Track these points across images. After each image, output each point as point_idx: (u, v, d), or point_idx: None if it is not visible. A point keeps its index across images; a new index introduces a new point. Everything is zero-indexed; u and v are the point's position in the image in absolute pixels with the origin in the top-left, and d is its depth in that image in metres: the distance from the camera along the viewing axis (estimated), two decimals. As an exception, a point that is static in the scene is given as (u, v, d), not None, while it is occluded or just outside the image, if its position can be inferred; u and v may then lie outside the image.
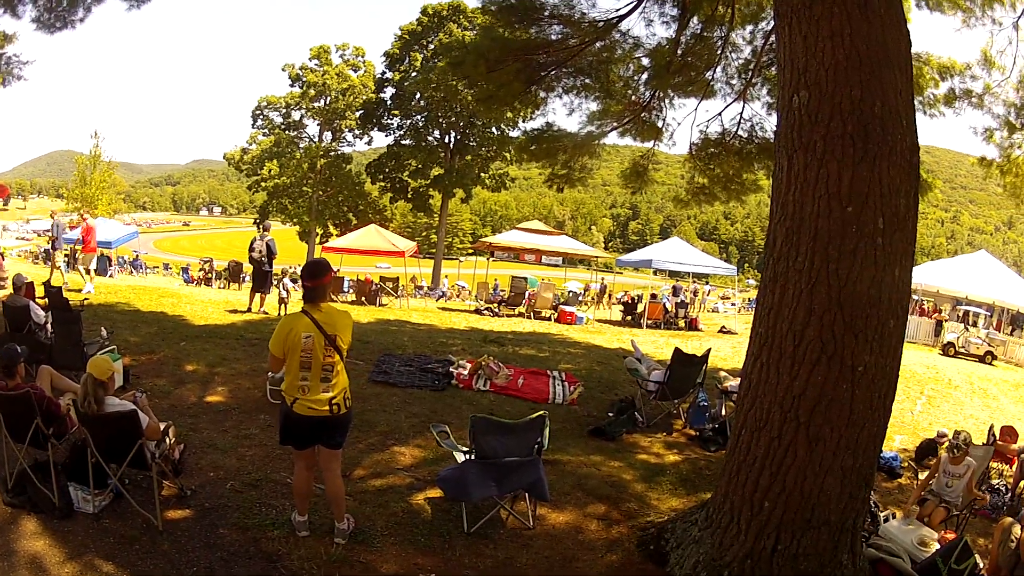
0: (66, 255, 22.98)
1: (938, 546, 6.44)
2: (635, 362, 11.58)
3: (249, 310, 19.00)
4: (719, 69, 13.64)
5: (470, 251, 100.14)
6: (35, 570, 5.43)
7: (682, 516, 6.71)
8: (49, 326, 11.35)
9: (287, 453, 7.57)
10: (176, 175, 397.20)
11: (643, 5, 12.92)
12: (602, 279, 39.18)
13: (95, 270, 23.20)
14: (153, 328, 14.85)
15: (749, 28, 13.31)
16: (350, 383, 5.98)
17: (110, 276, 32.89)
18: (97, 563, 5.57)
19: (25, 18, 18.22)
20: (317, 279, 5.83)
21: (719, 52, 13.36)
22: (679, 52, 13.17)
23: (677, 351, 10.71)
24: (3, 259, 21.46)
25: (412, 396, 11.01)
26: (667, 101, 14.20)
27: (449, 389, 11.69)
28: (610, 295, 37.48)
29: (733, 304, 45.92)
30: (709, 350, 11.49)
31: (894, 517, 7.26)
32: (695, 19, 13.10)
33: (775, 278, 5.69)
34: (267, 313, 18.91)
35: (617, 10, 12.91)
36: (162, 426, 6.77)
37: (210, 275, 37.98)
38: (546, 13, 12.82)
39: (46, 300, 13.14)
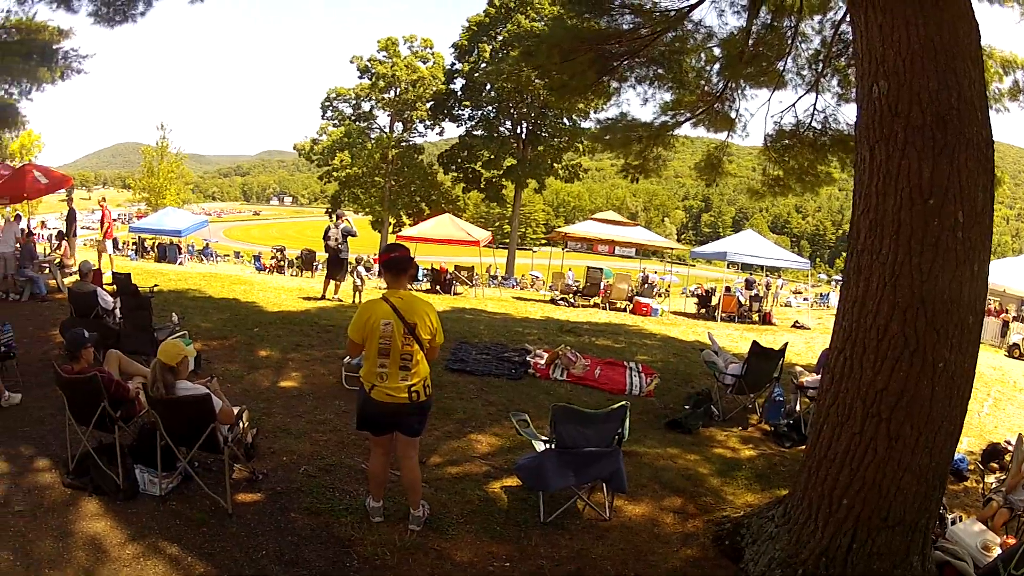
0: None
1: (999, 551, 6.27)
2: (712, 355, 11.44)
3: (324, 297, 19.30)
4: (790, 59, 13.40)
5: (543, 241, 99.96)
6: (94, 551, 5.50)
7: (758, 512, 6.60)
8: (117, 311, 11.63)
9: (362, 439, 7.68)
10: (245, 166, 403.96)
11: None
12: (670, 270, 38.77)
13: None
14: (225, 314, 15.15)
15: (818, 18, 13.04)
16: None
17: (179, 264, 33.71)
18: (161, 545, 5.64)
19: (81, 12, 18.67)
20: (397, 265, 5.81)
21: (789, 42, 13.12)
22: (750, 42, 12.97)
23: (755, 344, 10.54)
24: (72, 249, 21.98)
25: (489, 384, 11.02)
26: (740, 92, 13.96)
27: (526, 378, 11.66)
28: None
29: (805, 299, 44.95)
30: (786, 344, 11.28)
31: (960, 520, 7.08)
32: (764, 8, 12.90)
33: (859, 270, 5.58)
34: (341, 300, 19.14)
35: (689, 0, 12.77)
36: (235, 410, 6.81)
37: (282, 263, 38.78)
38: (617, 3, 12.75)
39: (114, 286, 13.46)
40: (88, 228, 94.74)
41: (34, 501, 6.22)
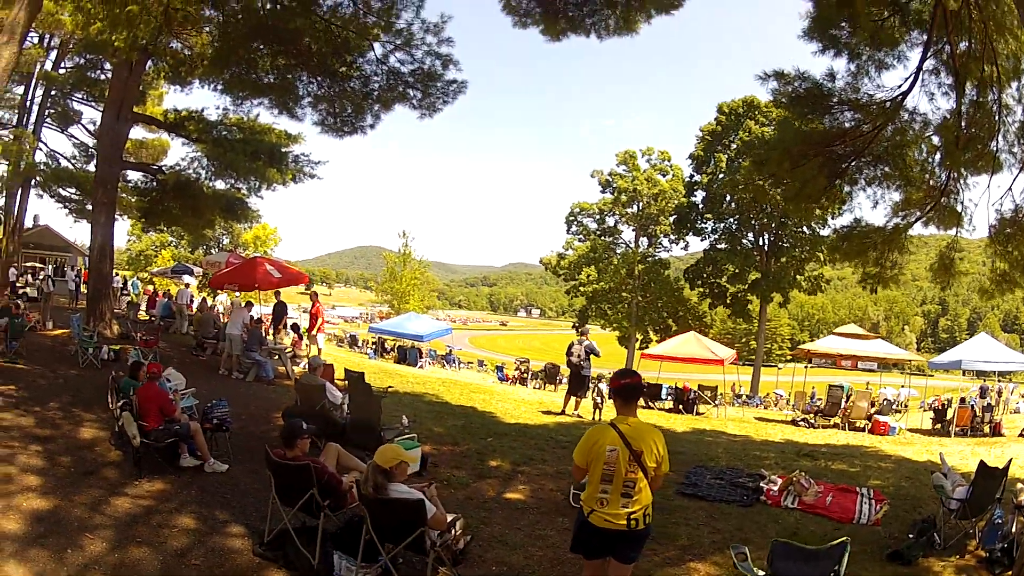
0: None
1: None
2: (941, 478, 10.47)
3: (563, 412, 19.22)
4: (1000, 137, 12.59)
5: (789, 357, 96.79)
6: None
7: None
8: (345, 406, 12.15)
9: (577, 559, 7.52)
10: (492, 276, 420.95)
11: (921, 77, 12.48)
12: (905, 384, 36.66)
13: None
14: (460, 421, 15.46)
15: (1015, 85, 12.34)
16: (656, 494, 5.81)
17: (420, 367, 34.94)
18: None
19: (307, 121, 20.14)
20: (628, 392, 5.76)
21: (996, 118, 12.37)
22: (963, 123, 12.39)
23: (982, 464, 9.56)
24: (301, 339, 23.38)
25: (719, 511, 10.52)
26: (962, 181, 13.21)
27: (756, 505, 11.08)
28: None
29: (1036, 403, 40.34)
30: (1011, 460, 10.16)
31: None
32: (968, 84, 12.32)
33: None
34: (581, 417, 18.97)
35: (899, 86, 12.58)
36: (450, 518, 6.86)
37: (526, 375, 39.06)
38: (835, 99, 12.57)
39: (346, 382, 14.06)
40: (329, 322, 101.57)
41: (214, 561, 6.74)
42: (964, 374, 32.37)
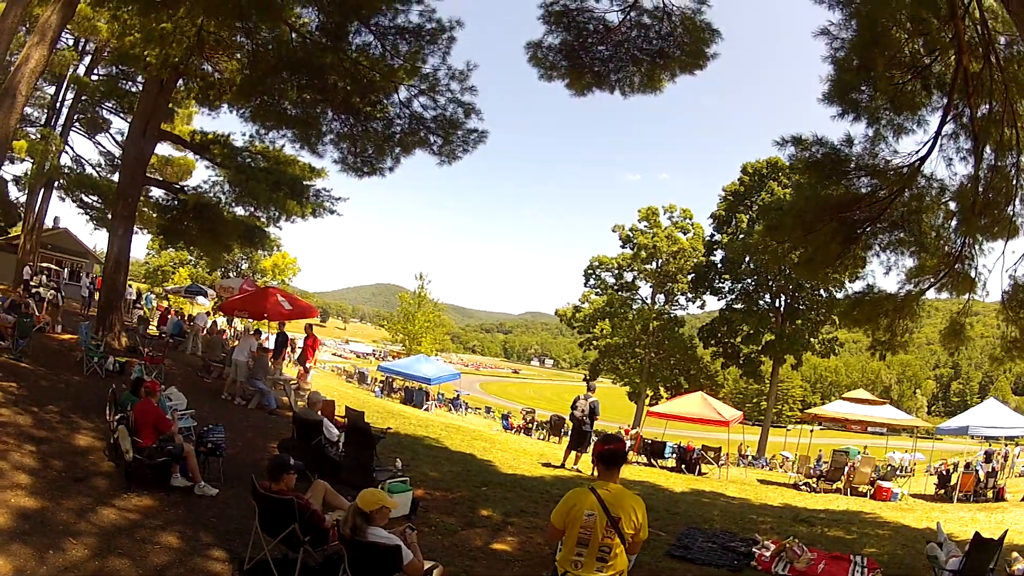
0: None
1: None
2: (936, 548, 10.36)
3: (563, 466, 19.14)
4: (1017, 201, 12.66)
5: (798, 419, 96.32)
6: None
7: None
8: (341, 443, 12.11)
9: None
10: (508, 324, 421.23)
11: (940, 142, 12.59)
12: (912, 448, 36.44)
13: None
14: (457, 467, 15.36)
15: None
16: (647, 554, 5.77)
17: (425, 409, 34.91)
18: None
19: (327, 158, 20.31)
20: (610, 458, 5.74)
21: (1015, 182, 12.42)
22: (980, 189, 12.47)
23: (977, 537, 9.45)
24: (308, 373, 23.37)
25: (708, 574, 10.41)
26: (977, 247, 13.25)
27: (747, 570, 10.92)
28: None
29: (1042, 467, 39.79)
30: (1006, 532, 10.02)
31: None
32: (987, 148, 12.40)
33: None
34: (580, 472, 18.83)
35: (917, 152, 12.67)
36: (427, 565, 6.82)
37: (531, 424, 39.11)
38: (852, 165, 12.68)
39: (345, 420, 13.92)
40: (340, 356, 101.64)
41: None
42: (972, 438, 32.18)
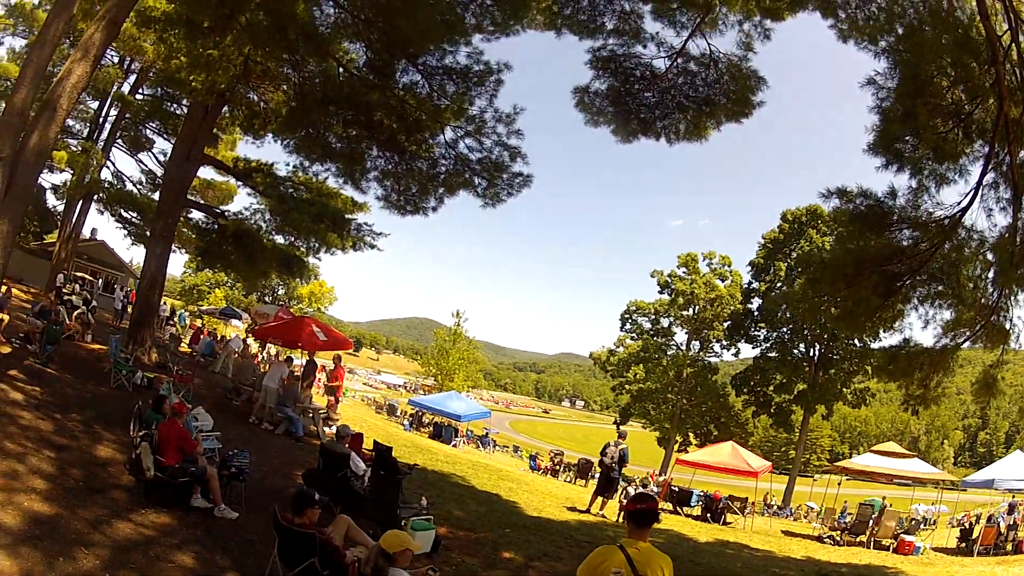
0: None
1: None
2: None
3: (588, 511, 18.93)
4: None
5: (826, 469, 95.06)
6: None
7: None
8: (367, 478, 12.07)
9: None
10: (541, 364, 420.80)
11: (981, 192, 12.49)
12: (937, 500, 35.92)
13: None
14: (482, 508, 15.25)
15: None
16: None
17: (454, 445, 34.81)
18: None
19: (370, 194, 20.31)
20: (642, 517, 5.66)
21: None
22: (1018, 239, 12.29)
23: None
24: (337, 402, 23.32)
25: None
26: (1013, 298, 13.05)
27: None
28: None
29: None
30: None
31: None
32: None
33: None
34: (605, 518, 18.68)
35: (958, 203, 12.58)
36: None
37: (558, 467, 38.86)
38: (895, 217, 12.53)
39: (373, 453, 13.84)
40: (371, 386, 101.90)
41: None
42: (997, 490, 31.77)
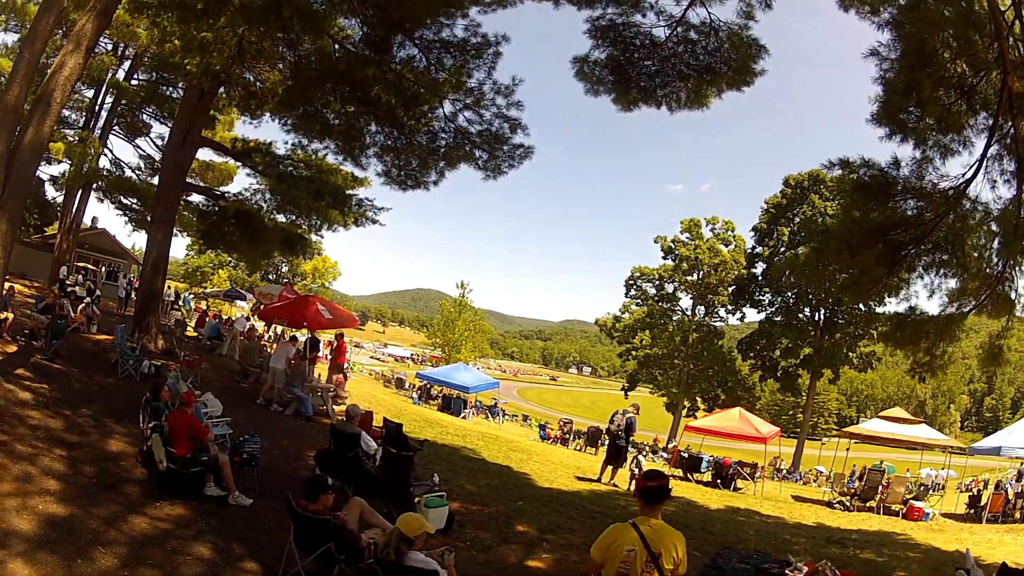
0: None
1: None
2: (963, 574, 10.16)
3: (599, 480, 19.02)
4: None
5: (834, 432, 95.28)
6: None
7: None
8: (378, 456, 11.98)
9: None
10: (547, 331, 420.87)
11: (985, 164, 12.44)
12: (945, 465, 36.14)
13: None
14: (494, 481, 15.26)
15: None
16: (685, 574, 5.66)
17: (463, 417, 34.83)
18: None
19: (370, 170, 20.32)
20: (654, 495, 5.66)
21: None
22: (1022, 212, 12.28)
23: (1004, 567, 9.24)
24: (346, 379, 23.34)
25: (741, 597, 10.30)
26: (1017, 269, 13.04)
27: (780, 593, 10.84)
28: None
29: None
30: None
31: None
32: None
33: None
34: (616, 486, 18.73)
35: (963, 174, 12.54)
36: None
37: (568, 435, 38.90)
38: (899, 188, 12.44)
39: (383, 431, 13.85)
40: (379, 359, 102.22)
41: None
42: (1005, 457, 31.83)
